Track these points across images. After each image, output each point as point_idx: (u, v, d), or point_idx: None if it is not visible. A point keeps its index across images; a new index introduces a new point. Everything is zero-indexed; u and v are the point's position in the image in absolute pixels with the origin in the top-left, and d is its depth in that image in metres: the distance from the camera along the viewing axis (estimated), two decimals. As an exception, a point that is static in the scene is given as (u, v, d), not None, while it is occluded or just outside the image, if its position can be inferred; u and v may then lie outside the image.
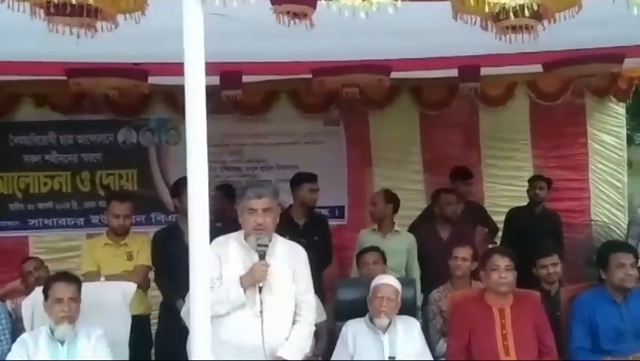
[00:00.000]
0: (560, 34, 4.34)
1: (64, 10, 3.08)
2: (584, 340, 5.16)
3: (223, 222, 5.84)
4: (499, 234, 7.95)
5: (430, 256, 6.80)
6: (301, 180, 6.94)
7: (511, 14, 3.23)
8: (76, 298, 4.65)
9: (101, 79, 6.03)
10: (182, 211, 5.95)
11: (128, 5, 3.26)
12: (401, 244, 6.89)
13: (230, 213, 6.03)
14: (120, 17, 3.41)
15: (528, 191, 7.83)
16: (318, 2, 3.34)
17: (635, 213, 7.72)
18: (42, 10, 3.18)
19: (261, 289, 4.23)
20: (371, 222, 7.20)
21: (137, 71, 6.06)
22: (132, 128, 8.37)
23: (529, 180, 7.94)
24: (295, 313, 4.40)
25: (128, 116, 8.22)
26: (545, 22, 3.60)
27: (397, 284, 5.18)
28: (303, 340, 4.40)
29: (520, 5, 3.20)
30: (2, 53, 5.39)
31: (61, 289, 4.60)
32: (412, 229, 7.51)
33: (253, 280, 4.22)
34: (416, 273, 6.87)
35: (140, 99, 7.89)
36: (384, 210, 7.01)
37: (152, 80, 6.35)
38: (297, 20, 3.36)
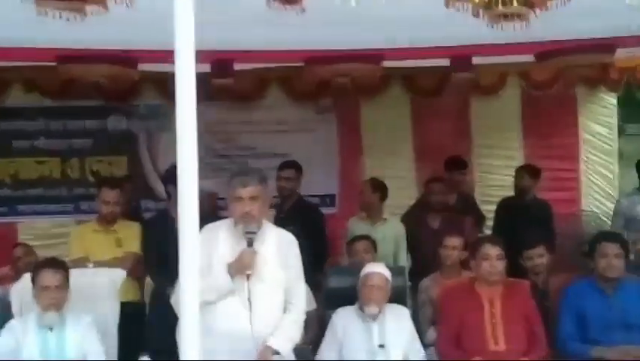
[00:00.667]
0: (552, 25, 4.36)
1: (53, -7, 3.06)
2: (573, 329, 5.18)
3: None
4: (490, 223, 7.94)
5: (421, 244, 6.81)
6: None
7: (500, 3, 3.22)
8: (64, 286, 4.62)
9: (91, 66, 6.01)
10: (172, 198, 5.93)
11: (118, -11, 3.24)
12: (390, 233, 6.89)
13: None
14: (110, 2, 3.38)
15: (515, 181, 7.80)
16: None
17: (618, 204, 7.70)
18: (31, -6, 3.16)
19: (249, 276, 4.21)
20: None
21: (127, 58, 6.04)
22: (122, 114, 8.35)
23: (516, 170, 7.91)
24: (286, 302, 4.38)
25: (118, 102, 8.20)
26: (537, 10, 3.60)
27: (387, 273, 5.18)
28: (293, 329, 4.37)
29: (509, -6, 3.20)
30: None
31: (48, 278, 4.58)
32: (404, 217, 7.53)
33: (241, 268, 4.20)
34: (404, 261, 6.87)
35: (131, 85, 7.86)
36: (371, 198, 7.02)
37: (143, 66, 6.32)
38: (288, 6, 3.34)
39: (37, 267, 4.73)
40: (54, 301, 4.57)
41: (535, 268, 5.88)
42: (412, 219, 7.26)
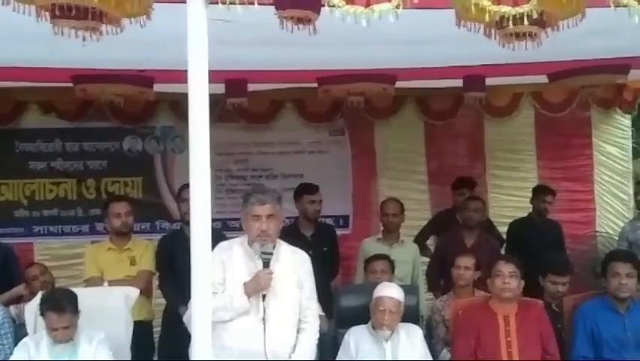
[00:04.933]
0: (565, 45, 4.36)
1: (69, 12, 3.10)
2: (587, 349, 5.17)
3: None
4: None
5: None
6: (301, 191, 6.94)
7: (511, 23, 3.23)
8: (72, 324, 4.61)
9: (106, 85, 6.07)
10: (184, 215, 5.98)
11: (133, 9, 3.27)
12: (408, 255, 6.90)
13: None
14: (125, 21, 3.42)
15: (532, 201, 7.78)
16: (322, 9, 3.35)
17: (622, 229, 7.72)
18: (47, 13, 3.20)
19: (264, 296, 4.23)
20: (375, 232, 7.21)
21: (143, 78, 6.09)
22: (138, 136, 8.38)
23: (535, 190, 7.89)
24: (300, 321, 4.40)
25: (134, 124, 8.24)
26: (549, 30, 3.61)
27: (400, 295, 5.16)
28: (308, 351, 4.40)
29: (520, 14, 3.20)
30: (8, 59, 5.42)
31: (54, 320, 4.57)
32: (418, 239, 7.53)
33: (257, 288, 4.22)
34: (422, 283, 6.90)
35: (146, 107, 7.95)
36: (400, 220, 7.02)
37: (158, 87, 6.37)
38: (300, 26, 3.36)
39: (43, 303, 4.66)
40: (63, 338, 4.59)
41: (556, 295, 5.84)
42: (446, 236, 7.24)
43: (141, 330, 5.74)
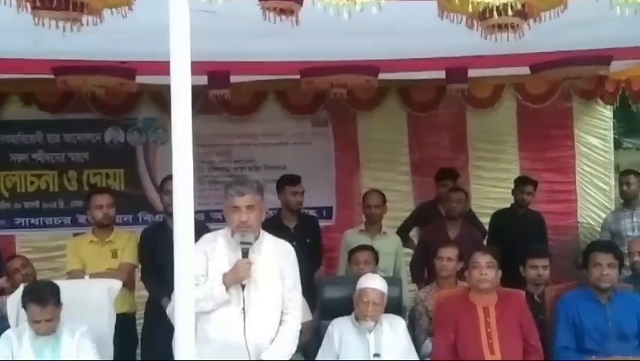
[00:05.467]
0: (547, 36, 4.38)
1: (50, 3, 3.08)
2: (569, 339, 5.19)
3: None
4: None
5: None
6: (283, 183, 6.94)
7: (495, 13, 3.24)
8: (54, 317, 4.58)
9: (87, 77, 6.02)
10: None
11: (114, -1, 3.26)
12: (390, 246, 6.91)
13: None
14: (107, 12, 3.40)
15: (514, 192, 7.82)
16: (305, 0, 3.35)
17: (605, 219, 7.77)
18: (28, 4, 3.18)
19: (244, 286, 4.21)
20: (358, 223, 7.23)
21: (124, 70, 6.05)
22: (120, 127, 8.34)
23: (516, 181, 7.92)
24: (282, 313, 4.39)
25: (116, 115, 8.19)
26: (531, 21, 3.62)
27: (383, 287, 5.18)
28: (289, 341, 4.38)
29: (503, 4, 3.21)
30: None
31: (37, 313, 4.55)
32: (401, 230, 7.55)
33: (236, 278, 4.20)
34: (404, 274, 6.91)
35: (128, 99, 7.90)
36: (382, 211, 7.03)
37: (140, 79, 6.34)
38: (283, 17, 3.36)
39: (25, 295, 4.64)
40: (45, 331, 4.58)
41: (538, 279, 5.88)
42: (429, 228, 7.26)
43: (124, 322, 5.72)
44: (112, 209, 6.19)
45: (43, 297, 4.56)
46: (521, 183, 7.82)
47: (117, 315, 5.24)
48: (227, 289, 4.20)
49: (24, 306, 4.60)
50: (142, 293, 6.41)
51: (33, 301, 4.55)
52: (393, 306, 5.35)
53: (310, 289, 5.54)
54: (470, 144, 8.90)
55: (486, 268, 5.09)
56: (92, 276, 5.76)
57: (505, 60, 5.98)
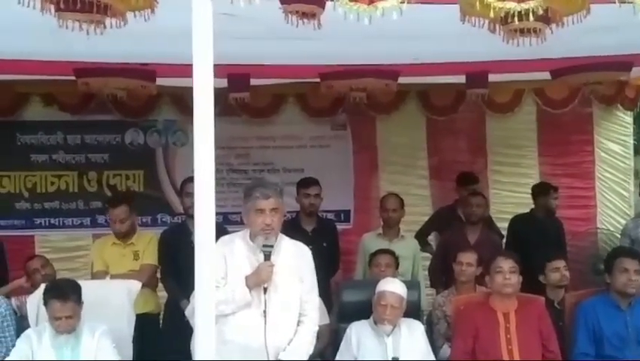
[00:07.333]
0: (568, 41, 4.36)
1: (74, 5, 3.10)
2: (588, 346, 5.16)
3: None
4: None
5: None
6: (298, 186, 6.95)
7: (516, 19, 3.24)
8: (75, 313, 4.61)
9: (109, 79, 6.07)
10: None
11: (138, 2, 3.27)
12: (408, 250, 6.88)
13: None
14: (129, 15, 3.42)
15: (538, 199, 7.77)
16: (327, 3, 3.35)
17: (625, 226, 7.72)
18: (52, 6, 3.20)
19: (266, 289, 4.23)
20: (376, 227, 7.22)
21: (145, 72, 6.09)
22: (140, 129, 8.38)
23: (539, 188, 7.87)
24: (300, 314, 4.40)
25: (136, 117, 8.23)
26: (554, 26, 3.61)
27: (402, 291, 5.17)
28: (306, 343, 4.39)
29: (525, 10, 3.21)
30: (12, 52, 5.42)
31: (57, 309, 4.57)
32: (419, 235, 7.53)
33: (259, 281, 4.22)
34: (422, 278, 6.90)
35: (148, 100, 7.93)
36: (400, 215, 7.02)
37: (160, 81, 6.38)
38: (305, 20, 3.37)
39: (47, 292, 4.67)
40: (66, 329, 4.60)
41: (563, 279, 5.81)
42: (450, 232, 7.23)
43: (148, 322, 5.78)
44: (129, 220, 6.23)
45: (65, 293, 4.59)
46: (548, 189, 7.76)
47: (141, 315, 5.30)
48: (249, 291, 4.21)
49: (45, 303, 4.62)
50: (162, 294, 6.43)
51: (54, 297, 4.58)
52: (412, 310, 5.34)
53: (325, 294, 5.54)
54: (489, 148, 8.87)
55: (509, 273, 5.07)
56: (113, 277, 5.81)
57: (525, 65, 5.97)
